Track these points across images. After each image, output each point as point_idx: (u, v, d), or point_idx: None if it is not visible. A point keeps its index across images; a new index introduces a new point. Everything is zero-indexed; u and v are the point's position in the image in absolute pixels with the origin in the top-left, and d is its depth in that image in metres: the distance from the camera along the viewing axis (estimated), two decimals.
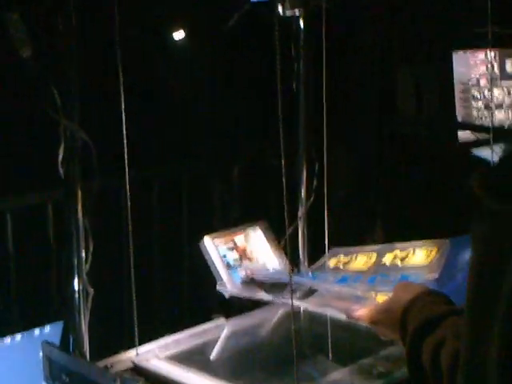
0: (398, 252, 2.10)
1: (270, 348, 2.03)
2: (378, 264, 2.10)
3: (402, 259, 2.09)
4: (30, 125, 2.39)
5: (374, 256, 2.13)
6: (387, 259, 2.11)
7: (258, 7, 1.94)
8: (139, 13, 1.94)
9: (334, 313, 1.89)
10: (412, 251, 2.12)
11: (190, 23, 2.02)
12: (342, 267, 2.15)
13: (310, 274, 2.17)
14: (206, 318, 2.08)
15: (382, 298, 1.85)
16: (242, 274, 2.08)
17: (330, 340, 1.95)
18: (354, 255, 2.16)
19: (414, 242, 2.13)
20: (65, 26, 1.77)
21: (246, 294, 1.98)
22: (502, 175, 1.13)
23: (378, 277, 2.00)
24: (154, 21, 2.28)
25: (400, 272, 2.02)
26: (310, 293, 1.91)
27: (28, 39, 2.09)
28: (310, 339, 2.09)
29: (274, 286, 1.96)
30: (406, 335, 1.56)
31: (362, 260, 2.13)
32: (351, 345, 1.99)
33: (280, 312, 2.18)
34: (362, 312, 1.82)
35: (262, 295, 1.94)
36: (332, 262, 2.18)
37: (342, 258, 2.18)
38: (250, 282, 2.01)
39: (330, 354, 1.90)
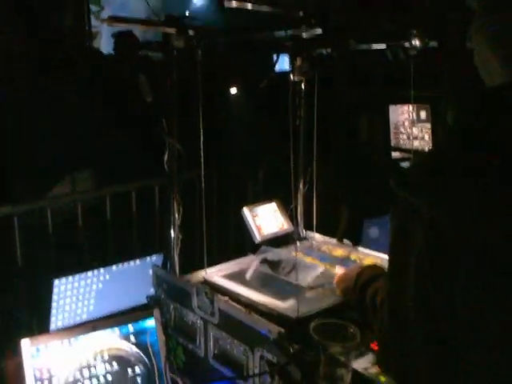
0: (355, 255, 2.40)
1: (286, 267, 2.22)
2: (348, 256, 2.39)
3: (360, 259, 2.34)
4: (152, 141, 2.48)
5: (347, 251, 2.43)
6: (352, 256, 2.39)
7: (279, 75, 2.29)
8: (211, 75, 2.29)
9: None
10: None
11: (240, 83, 2.49)
12: (327, 252, 2.45)
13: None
14: (245, 254, 2.42)
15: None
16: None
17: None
18: (334, 248, 2.46)
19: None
20: (171, 86, 2.10)
21: (261, 269, 2.24)
22: (405, 175, 1.32)
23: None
24: (220, 82, 2.97)
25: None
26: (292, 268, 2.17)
27: (150, 90, 2.59)
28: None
29: (276, 264, 2.26)
30: (356, 288, 1.81)
31: (339, 252, 2.45)
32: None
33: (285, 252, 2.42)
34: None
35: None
36: (323, 247, 2.49)
37: (329, 247, 2.49)
38: (265, 261, 2.30)
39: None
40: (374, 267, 1.94)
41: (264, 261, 2.26)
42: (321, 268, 2.18)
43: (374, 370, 1.69)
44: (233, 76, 2.34)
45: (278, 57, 2.20)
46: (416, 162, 1.47)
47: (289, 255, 2.32)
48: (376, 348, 1.72)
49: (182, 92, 2.14)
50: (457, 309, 1.17)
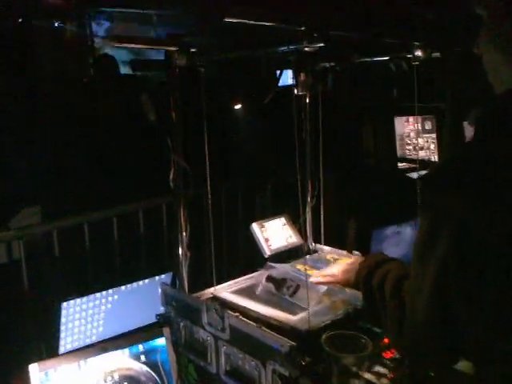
0: None
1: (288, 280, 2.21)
2: None
3: None
4: (156, 158, 2.67)
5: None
6: None
7: (283, 89, 2.48)
8: (215, 92, 2.44)
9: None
10: None
11: (245, 99, 2.52)
12: (332, 261, 2.44)
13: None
14: (254, 270, 2.42)
15: None
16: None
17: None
18: (340, 257, 2.46)
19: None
20: (174, 104, 2.11)
21: (267, 288, 2.22)
22: (436, 177, 1.37)
23: None
24: (224, 98, 3.02)
25: None
26: (297, 288, 2.14)
27: (153, 109, 2.64)
28: None
29: (281, 283, 2.23)
30: (361, 275, 1.78)
31: (343, 261, 2.31)
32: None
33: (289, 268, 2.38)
34: (330, 279, 2.06)
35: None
36: (328, 256, 2.52)
37: (333, 256, 2.51)
38: (269, 279, 2.27)
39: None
40: (376, 255, 1.93)
41: (269, 278, 2.28)
42: (325, 287, 2.18)
43: (386, 380, 1.71)
44: (237, 91, 2.37)
45: (281, 72, 2.27)
46: (443, 165, 1.49)
47: (293, 272, 2.33)
48: (388, 356, 1.78)
49: (186, 109, 2.17)
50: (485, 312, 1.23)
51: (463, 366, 1.51)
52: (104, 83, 4.14)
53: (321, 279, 2.08)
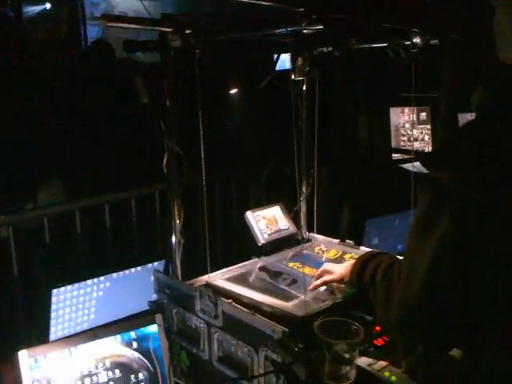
0: (347, 255, 2.42)
1: (284, 273, 2.26)
2: (341, 256, 2.42)
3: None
4: (147, 143, 2.76)
5: (340, 251, 2.47)
6: (346, 256, 2.41)
7: (280, 74, 2.25)
8: (210, 75, 2.31)
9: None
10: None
11: (239, 84, 2.52)
12: (320, 254, 2.48)
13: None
14: (248, 258, 2.45)
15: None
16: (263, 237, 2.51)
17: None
18: (328, 249, 2.50)
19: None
20: (168, 88, 2.10)
21: (260, 276, 2.26)
22: (437, 156, 1.40)
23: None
24: (220, 82, 2.99)
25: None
26: (294, 281, 2.16)
27: (146, 92, 2.59)
28: None
29: (276, 274, 2.27)
30: (355, 268, 1.85)
31: (332, 253, 2.48)
32: None
33: (291, 254, 2.47)
34: (327, 278, 2.08)
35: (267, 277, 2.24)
36: (316, 249, 2.53)
37: (322, 248, 2.53)
38: (263, 269, 2.32)
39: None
40: (370, 251, 2.01)
41: (263, 268, 2.30)
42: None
43: (378, 366, 1.75)
44: (232, 75, 2.36)
45: (278, 56, 2.27)
46: (444, 143, 1.52)
47: (285, 265, 2.37)
48: (380, 344, 1.83)
49: (180, 93, 2.17)
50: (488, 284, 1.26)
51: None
52: (100, 69, 4.16)
53: (317, 282, 2.11)
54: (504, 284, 1.27)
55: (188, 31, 1.96)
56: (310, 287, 2.08)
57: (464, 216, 1.26)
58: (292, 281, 2.17)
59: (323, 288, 2.10)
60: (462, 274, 1.29)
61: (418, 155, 3.88)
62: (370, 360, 1.78)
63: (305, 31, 1.98)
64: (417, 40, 2.39)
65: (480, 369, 1.37)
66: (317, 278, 2.10)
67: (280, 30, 1.99)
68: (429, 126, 5.21)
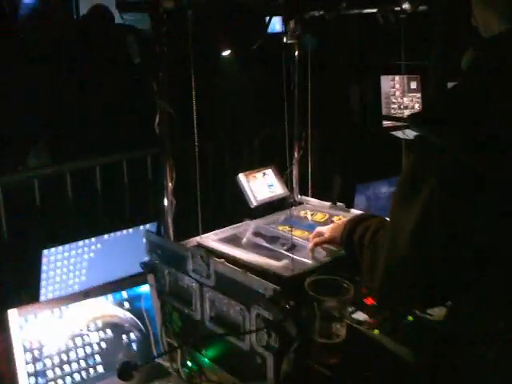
0: (336, 217, 2.47)
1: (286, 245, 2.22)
2: (329, 219, 2.47)
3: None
4: (138, 102, 2.73)
5: (327, 215, 2.52)
6: (335, 218, 2.46)
7: (272, 36, 2.29)
8: (204, 39, 2.45)
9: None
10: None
11: (232, 45, 2.52)
12: (308, 218, 2.53)
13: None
14: (240, 220, 2.49)
15: None
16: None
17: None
18: (314, 212, 2.56)
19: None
20: (160, 48, 2.08)
21: (255, 242, 2.28)
22: (424, 115, 1.41)
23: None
24: (211, 44, 2.91)
25: None
26: (293, 246, 2.17)
27: (138, 52, 2.59)
28: None
29: (272, 238, 2.29)
30: (345, 231, 1.86)
31: (319, 216, 2.53)
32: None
33: (283, 217, 2.50)
34: (318, 239, 2.11)
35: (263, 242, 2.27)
36: (301, 213, 2.57)
37: (308, 212, 2.57)
38: (257, 234, 2.34)
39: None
40: (360, 214, 2.05)
41: (258, 234, 2.32)
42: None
43: (367, 324, 1.82)
44: (224, 38, 2.36)
45: (270, 18, 2.24)
46: (432, 103, 1.53)
47: (275, 228, 2.39)
48: (369, 303, 1.87)
49: (172, 54, 2.17)
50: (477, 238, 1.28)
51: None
52: (98, 33, 4.12)
53: (310, 245, 2.13)
54: (491, 245, 1.28)
55: None
56: (309, 248, 2.12)
57: (451, 175, 1.27)
58: (292, 246, 2.18)
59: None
60: (448, 234, 1.30)
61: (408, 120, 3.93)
62: (360, 318, 1.85)
63: None
64: (406, 6, 2.38)
65: (461, 331, 1.40)
66: (312, 239, 2.13)
67: None
68: (419, 95, 5.30)
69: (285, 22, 2.26)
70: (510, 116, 1.25)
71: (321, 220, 2.48)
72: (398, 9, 2.35)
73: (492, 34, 1.42)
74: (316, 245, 2.09)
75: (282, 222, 2.46)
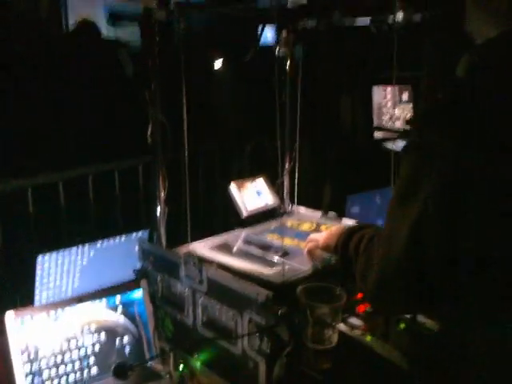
0: (323, 226, 2.48)
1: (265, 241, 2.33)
2: (316, 229, 2.48)
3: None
4: (132, 112, 2.75)
5: (314, 224, 2.53)
6: (322, 227, 2.47)
7: (264, 48, 2.31)
8: (197, 52, 2.44)
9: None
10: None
11: (224, 56, 2.53)
12: (295, 227, 2.53)
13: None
14: (231, 228, 2.51)
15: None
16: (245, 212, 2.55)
17: None
18: (301, 222, 2.56)
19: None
20: (152, 61, 2.13)
21: (247, 250, 2.28)
22: (424, 117, 1.42)
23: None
24: (204, 56, 2.93)
25: None
26: (285, 253, 2.19)
27: (130, 63, 2.61)
28: None
29: (263, 246, 2.30)
30: (341, 239, 1.86)
31: (306, 226, 2.54)
32: None
33: (273, 227, 2.53)
34: (312, 244, 2.13)
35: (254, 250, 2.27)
36: (288, 223, 2.58)
37: (294, 222, 2.58)
38: (248, 242, 2.35)
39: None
40: (357, 224, 2.05)
41: (249, 242, 2.34)
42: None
43: (359, 331, 1.84)
44: (216, 49, 2.38)
45: (262, 29, 2.26)
46: (431, 105, 1.50)
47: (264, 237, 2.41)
48: (361, 310, 1.88)
49: (164, 66, 2.20)
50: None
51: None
52: (86, 48, 4.15)
53: (304, 252, 2.16)
54: (488, 248, 1.28)
55: (172, 5, 2.00)
56: (305, 252, 2.15)
57: (451, 176, 1.27)
58: (285, 253, 2.20)
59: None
60: (446, 236, 1.29)
61: (400, 133, 3.95)
62: (353, 325, 1.87)
63: (289, 5, 2.06)
64: (399, 16, 2.42)
65: (454, 336, 1.41)
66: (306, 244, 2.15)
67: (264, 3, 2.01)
68: (410, 105, 5.30)
69: (277, 33, 2.29)
70: (509, 117, 1.27)
71: (308, 229, 2.49)
72: (391, 19, 2.38)
73: (486, 39, 1.43)
74: (310, 251, 2.12)
75: (272, 231, 2.48)
